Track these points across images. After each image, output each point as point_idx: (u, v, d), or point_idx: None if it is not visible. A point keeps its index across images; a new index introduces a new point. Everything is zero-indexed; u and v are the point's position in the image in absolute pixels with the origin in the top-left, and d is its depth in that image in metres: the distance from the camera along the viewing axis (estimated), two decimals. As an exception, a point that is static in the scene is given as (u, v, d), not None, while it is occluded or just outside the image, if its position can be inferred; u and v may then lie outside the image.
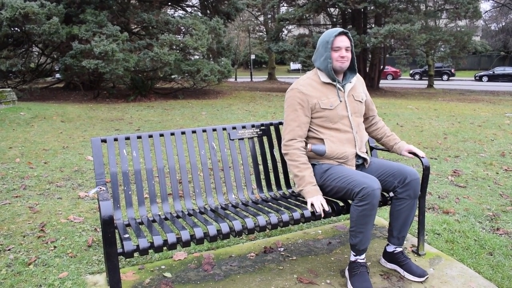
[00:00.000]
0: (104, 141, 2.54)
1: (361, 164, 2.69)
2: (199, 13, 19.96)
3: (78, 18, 14.50)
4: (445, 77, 37.79)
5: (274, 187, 2.89)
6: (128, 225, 2.40)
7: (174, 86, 19.25)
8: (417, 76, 39.51)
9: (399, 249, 2.62)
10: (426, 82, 29.68)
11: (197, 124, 9.23)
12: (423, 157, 2.74)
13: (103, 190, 2.17)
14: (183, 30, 16.39)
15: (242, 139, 2.83)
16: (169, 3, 20.86)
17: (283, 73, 49.93)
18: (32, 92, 16.07)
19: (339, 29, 2.55)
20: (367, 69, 24.24)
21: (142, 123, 9.38)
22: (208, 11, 19.72)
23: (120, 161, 2.25)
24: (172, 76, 17.15)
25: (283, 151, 2.62)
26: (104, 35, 13.65)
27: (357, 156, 2.65)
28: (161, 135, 2.64)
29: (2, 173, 5.06)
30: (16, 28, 14.17)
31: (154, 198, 2.61)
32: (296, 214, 2.41)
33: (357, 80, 2.75)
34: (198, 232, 2.14)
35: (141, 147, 5.74)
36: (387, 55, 28.61)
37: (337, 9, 23.61)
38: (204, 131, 2.75)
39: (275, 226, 2.34)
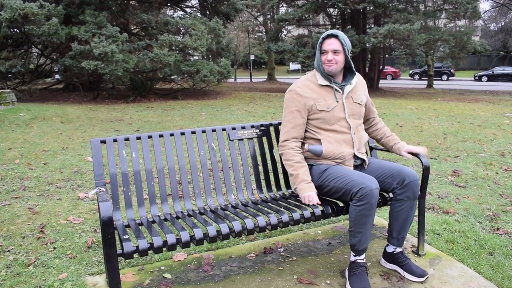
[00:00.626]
0: (103, 142, 2.54)
1: (360, 165, 2.68)
2: (198, 13, 19.97)
3: (78, 19, 14.50)
4: (444, 77, 37.80)
5: (273, 187, 2.88)
6: (128, 226, 2.40)
7: (173, 86, 19.24)
8: (416, 76, 39.53)
9: (399, 250, 2.62)
10: (426, 82, 29.69)
11: (197, 125, 9.23)
12: (422, 156, 2.74)
13: (103, 191, 2.17)
14: (183, 30, 16.39)
15: (242, 139, 2.83)
16: (168, 4, 20.86)
17: (283, 74, 49.92)
18: (32, 93, 16.06)
19: (329, 32, 2.55)
20: (367, 69, 24.24)
21: (142, 124, 9.38)
22: (208, 12, 19.72)
23: (119, 162, 2.25)
24: (172, 77, 17.15)
25: (279, 152, 2.64)
26: (103, 36, 13.65)
27: (355, 157, 2.64)
28: (161, 136, 2.63)
29: (2, 174, 5.05)
30: (15, 29, 14.17)
31: (154, 199, 2.61)
32: (296, 215, 2.41)
33: (358, 82, 2.73)
34: (198, 233, 2.14)
35: (141, 148, 5.73)
36: (387, 55, 28.60)
37: (336, 10, 23.61)
38: (203, 131, 2.74)
39: (275, 226, 2.34)
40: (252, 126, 2.90)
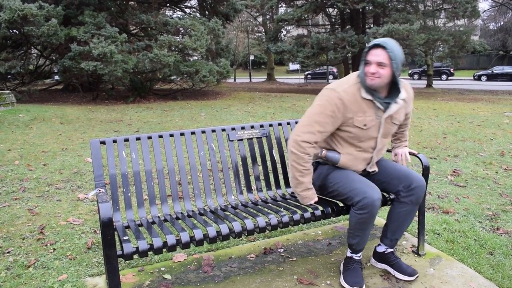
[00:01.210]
0: (103, 143, 2.54)
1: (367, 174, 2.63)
2: (197, 14, 19.96)
3: (77, 19, 14.49)
4: (444, 76, 37.79)
5: (273, 188, 2.89)
6: (128, 227, 2.40)
7: (173, 87, 19.23)
8: (416, 76, 39.51)
9: (389, 250, 2.62)
10: (425, 81, 29.67)
11: (196, 125, 9.22)
12: (422, 156, 2.74)
13: (102, 192, 2.17)
14: (182, 31, 16.38)
15: (241, 140, 2.83)
16: (168, 4, 20.85)
17: (282, 74, 49.94)
18: (31, 94, 16.05)
19: (377, 41, 2.27)
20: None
21: (141, 125, 9.38)
22: (207, 12, 19.72)
23: (119, 163, 2.25)
24: (171, 77, 17.14)
25: (290, 147, 2.38)
26: (102, 37, 13.64)
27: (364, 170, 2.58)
28: (160, 136, 2.63)
29: (1, 176, 5.05)
30: (14, 30, 14.16)
31: (154, 200, 2.60)
32: (296, 215, 2.41)
33: (406, 98, 2.48)
34: (198, 234, 2.14)
35: (140, 148, 5.72)
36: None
37: (335, 9, 23.60)
38: (203, 132, 2.74)
39: (275, 227, 2.34)
40: (252, 127, 2.89)
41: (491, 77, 35.95)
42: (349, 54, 20.08)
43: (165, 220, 2.48)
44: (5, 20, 12.50)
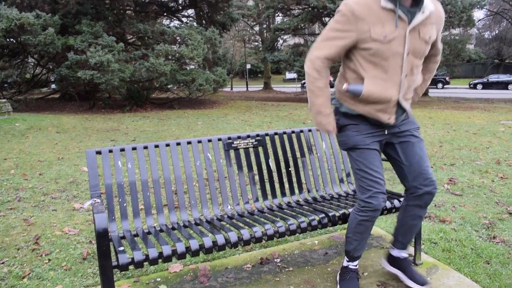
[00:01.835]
0: (99, 152, 2.53)
1: (401, 115, 2.28)
2: (194, 23, 20.04)
3: (74, 28, 14.54)
4: (440, 85, 37.97)
5: (270, 197, 2.88)
6: (123, 237, 2.38)
7: (170, 96, 19.26)
8: (412, 85, 39.62)
9: (404, 255, 2.56)
10: (421, 90, 29.76)
11: (193, 134, 9.22)
12: None
13: (98, 202, 2.16)
14: (179, 40, 16.44)
15: (238, 149, 2.83)
16: (165, 14, 20.95)
17: (279, 82, 50.09)
18: (28, 103, 16.03)
19: None
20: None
21: (138, 134, 9.37)
22: (204, 21, 19.81)
23: (115, 172, 2.24)
24: (168, 86, 17.17)
25: (305, 67, 2.25)
26: (99, 46, 13.68)
27: (399, 105, 2.23)
28: (156, 146, 2.63)
29: (-3, 185, 5.03)
30: (11, 39, 14.17)
31: (149, 210, 2.59)
32: (292, 225, 2.40)
33: (434, 13, 2.19)
34: (194, 244, 2.12)
35: (136, 158, 5.68)
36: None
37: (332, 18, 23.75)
38: (199, 142, 2.74)
39: (271, 237, 2.33)
40: (248, 136, 2.89)
41: (487, 85, 36.18)
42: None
43: (161, 230, 2.47)
44: (2, 29, 12.53)
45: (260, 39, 36.88)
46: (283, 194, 2.97)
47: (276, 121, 11.62)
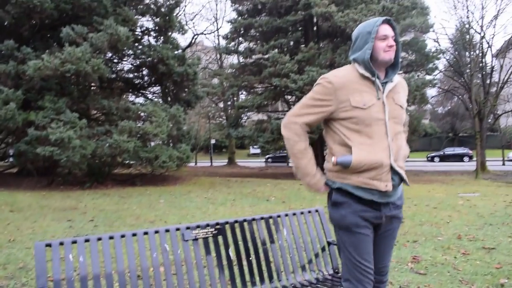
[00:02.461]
0: (49, 245, 2.39)
1: (398, 185, 2.28)
2: (160, 100, 20.35)
3: (37, 104, 14.42)
4: (399, 158, 39.30)
5: None
6: None
7: (132, 171, 18.97)
8: (372, 159, 40.88)
9: None
10: (382, 164, 30.68)
11: (154, 214, 8.97)
12: None
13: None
14: (143, 116, 16.55)
15: (197, 239, 2.74)
16: (130, 90, 21.22)
17: (244, 157, 50.55)
18: (-18, 178, 15.38)
19: (384, 17, 2.22)
20: (325, 154, 24.91)
21: (97, 213, 9.03)
22: (169, 98, 20.13)
23: (65, 266, 2.09)
24: (131, 162, 16.97)
25: (282, 133, 2.27)
26: (61, 122, 13.54)
27: (393, 171, 2.21)
28: (111, 237, 2.51)
29: None
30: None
31: (101, 307, 2.42)
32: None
33: (400, 83, 2.34)
34: None
35: (89, 251, 5.41)
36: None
37: (294, 96, 24.67)
38: (156, 232, 2.64)
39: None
40: (208, 225, 2.82)
41: (443, 158, 37.87)
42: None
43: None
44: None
45: (224, 115, 37.66)
46: (244, 284, 2.85)
47: (240, 199, 11.53)
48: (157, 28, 19.09)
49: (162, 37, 19.35)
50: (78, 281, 2.31)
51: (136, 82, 20.60)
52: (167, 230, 2.67)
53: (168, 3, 18.16)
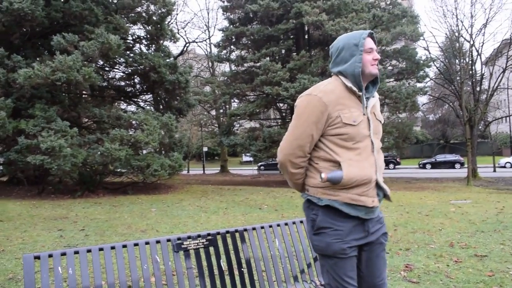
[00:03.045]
0: (37, 257, 2.35)
1: (381, 200, 2.23)
2: (152, 108, 20.29)
3: (27, 112, 14.30)
4: (391, 165, 39.51)
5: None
6: None
7: (124, 180, 18.85)
8: (364, 166, 41.00)
9: None
10: (374, 171, 30.76)
11: (146, 223, 8.89)
12: None
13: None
14: (135, 124, 16.47)
15: (188, 250, 2.71)
16: (122, 98, 21.13)
17: (236, 165, 50.50)
18: (-29, 188, 15.19)
19: (366, 30, 2.17)
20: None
21: (88, 222, 8.94)
22: (161, 106, 20.08)
23: (54, 278, 2.05)
24: (122, 171, 16.86)
25: (281, 168, 2.22)
26: (52, 130, 13.43)
27: (377, 186, 2.19)
28: (101, 249, 2.48)
29: None
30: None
31: (90, 320, 2.38)
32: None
33: (376, 98, 2.33)
34: None
35: (78, 262, 5.35)
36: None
37: (285, 104, 24.73)
38: (147, 243, 2.61)
39: None
40: (199, 236, 2.79)
41: (435, 165, 38.07)
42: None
43: None
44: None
45: (216, 123, 37.64)
46: (236, 295, 2.83)
47: (232, 207, 11.48)
48: (148, 36, 19.06)
49: (153, 45, 19.33)
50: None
51: (127, 90, 20.53)
52: (157, 242, 2.64)
53: (159, 11, 18.14)
